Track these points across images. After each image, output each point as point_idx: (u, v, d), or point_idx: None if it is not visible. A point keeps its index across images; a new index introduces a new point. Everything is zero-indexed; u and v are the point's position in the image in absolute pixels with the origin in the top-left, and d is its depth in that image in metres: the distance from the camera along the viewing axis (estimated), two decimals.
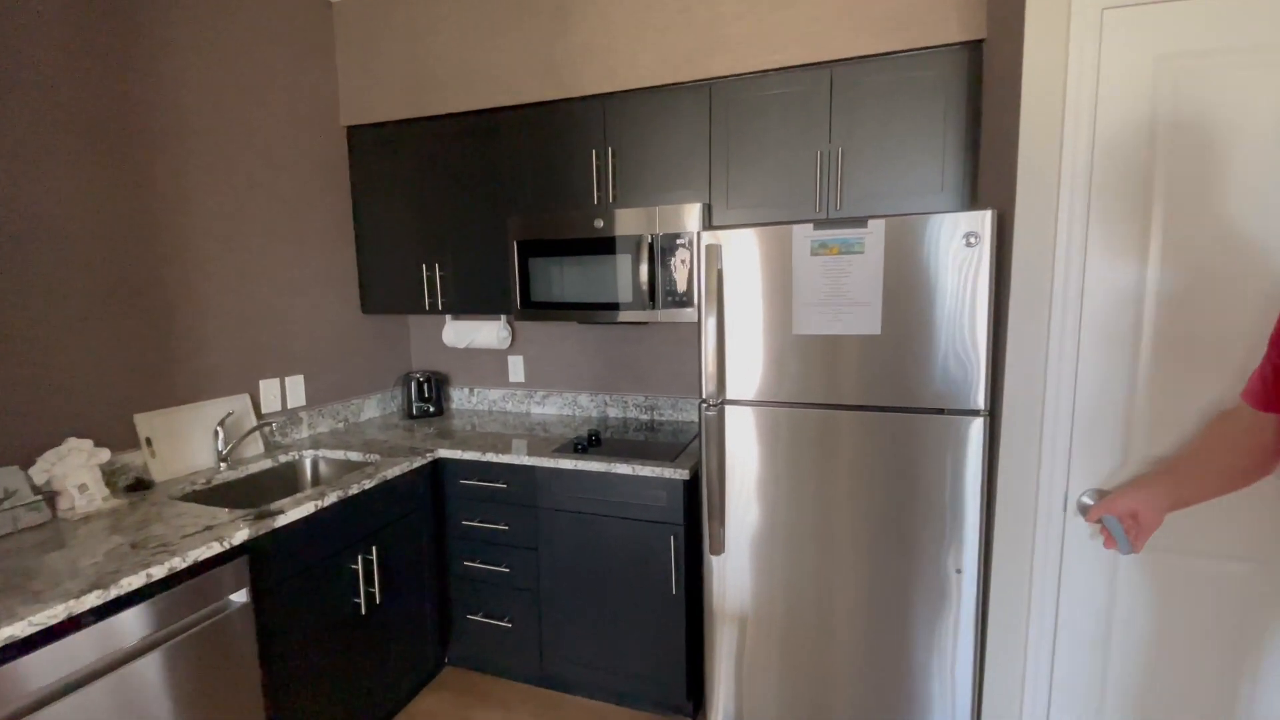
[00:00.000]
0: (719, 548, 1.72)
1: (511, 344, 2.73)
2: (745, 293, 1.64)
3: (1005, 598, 1.51)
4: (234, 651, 1.47)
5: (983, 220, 1.42)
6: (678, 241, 2.00)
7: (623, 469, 1.91)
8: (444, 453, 2.14)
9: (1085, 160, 1.34)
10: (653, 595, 1.95)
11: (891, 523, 1.59)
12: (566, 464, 1.98)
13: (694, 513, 1.95)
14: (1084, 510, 1.37)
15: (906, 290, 1.49)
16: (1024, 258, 1.40)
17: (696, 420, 2.46)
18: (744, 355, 1.66)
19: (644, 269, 2.03)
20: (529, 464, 2.03)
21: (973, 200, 1.77)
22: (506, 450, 2.10)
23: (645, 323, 2.22)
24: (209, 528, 1.49)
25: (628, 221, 2.06)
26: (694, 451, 2.03)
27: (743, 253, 1.62)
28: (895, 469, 1.57)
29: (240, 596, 1.49)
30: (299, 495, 1.69)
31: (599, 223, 2.09)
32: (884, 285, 1.50)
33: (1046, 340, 1.40)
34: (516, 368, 2.73)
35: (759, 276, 1.61)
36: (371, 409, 2.68)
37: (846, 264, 1.51)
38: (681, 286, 2.01)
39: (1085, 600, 1.44)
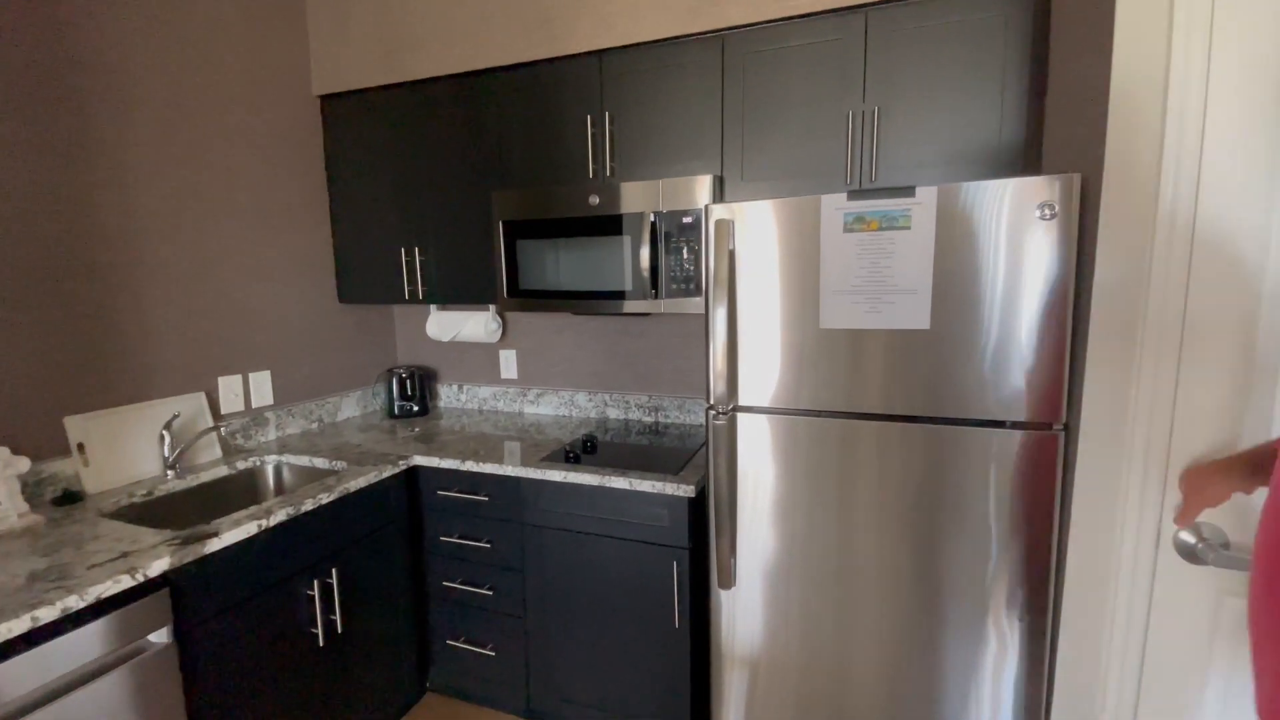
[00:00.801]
0: (728, 580, 1.46)
1: (502, 337, 2.48)
2: (762, 278, 1.37)
3: (1076, 656, 1.24)
4: (153, 703, 1.24)
5: (1063, 187, 1.13)
6: (685, 220, 1.73)
7: (618, 483, 1.65)
8: (419, 460, 1.90)
9: (1197, 107, 1.05)
10: (652, 627, 1.70)
11: (933, 557, 1.32)
12: (554, 475, 1.73)
13: (700, 534, 1.69)
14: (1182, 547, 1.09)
15: (963, 275, 1.21)
16: (1114, 237, 1.12)
17: (705, 425, 2.19)
18: (760, 353, 1.39)
19: (645, 252, 1.76)
20: (511, 474, 1.78)
21: (1035, 169, 1.48)
22: (492, 456, 1.85)
23: (649, 314, 1.96)
24: (124, 554, 1.27)
25: (628, 197, 1.79)
26: (701, 462, 1.77)
27: (760, 230, 1.35)
28: (941, 492, 1.30)
29: (160, 637, 1.27)
30: (238, 514, 1.46)
31: (595, 199, 1.83)
32: (935, 268, 1.22)
33: (1139, 339, 1.12)
34: (508, 363, 2.49)
35: (779, 258, 1.34)
36: (350, 408, 2.46)
37: (889, 242, 1.23)
38: (689, 272, 1.75)
39: (1177, 660, 1.16)
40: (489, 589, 1.89)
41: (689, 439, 2.03)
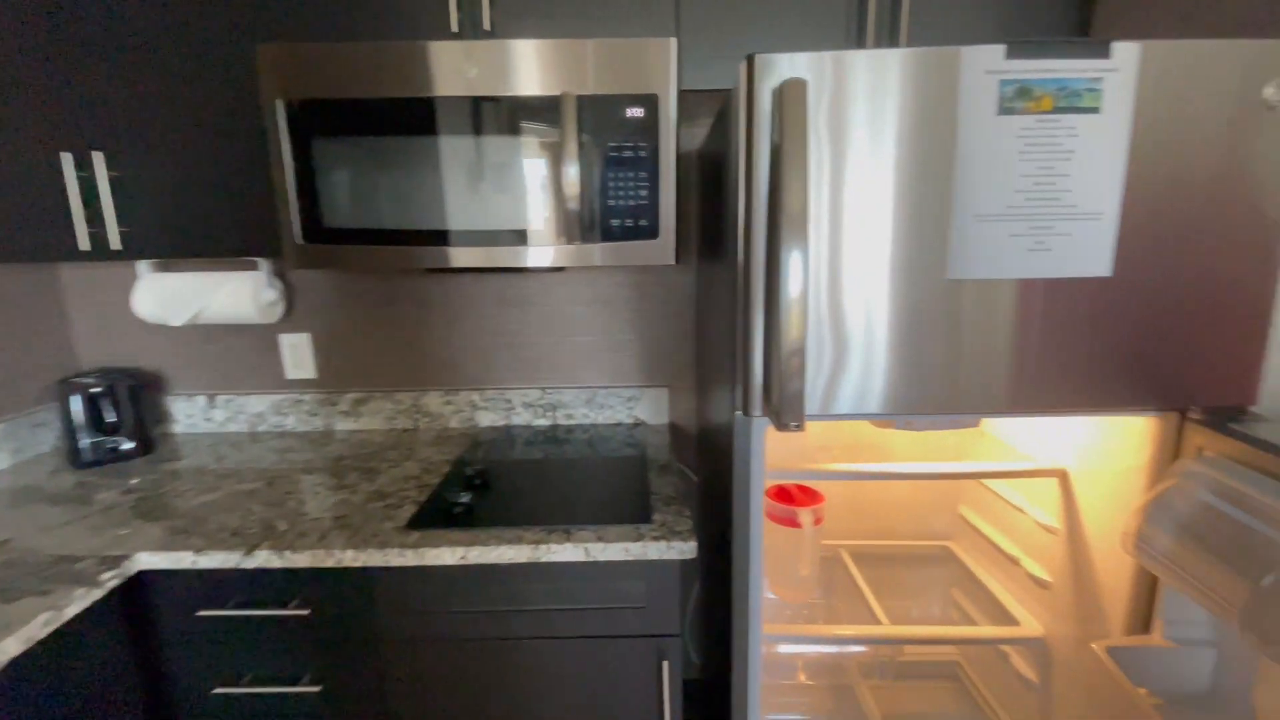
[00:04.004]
0: None
1: (287, 313, 1.55)
2: (837, 196, 0.80)
3: None
4: None
5: None
6: (632, 112, 1.07)
7: (565, 554, 0.99)
8: (149, 561, 0.99)
9: None
10: None
11: None
12: (441, 555, 0.99)
13: (691, 588, 1.11)
14: None
15: (1160, 188, 0.78)
16: None
17: (630, 423, 1.59)
18: (827, 326, 0.84)
19: (572, 169, 1.06)
20: (352, 565, 0.99)
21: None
22: (305, 531, 1.03)
23: (561, 268, 1.28)
24: None
25: (529, 68, 1.06)
26: (670, 491, 1.18)
27: (846, 109, 0.77)
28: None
29: None
30: None
31: (473, 70, 1.05)
32: (1128, 178, 0.77)
33: None
34: (299, 355, 1.57)
35: (877, 162, 0.78)
36: None
37: (1068, 132, 0.75)
38: (640, 197, 1.10)
39: None
40: None
41: (601, 444, 1.41)
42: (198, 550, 0.98)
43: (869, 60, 0.74)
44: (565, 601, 1.02)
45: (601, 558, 0.99)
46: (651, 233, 1.11)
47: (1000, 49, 0.73)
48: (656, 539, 0.99)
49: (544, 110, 1.06)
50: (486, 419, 1.59)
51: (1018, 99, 0.73)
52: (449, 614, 1.03)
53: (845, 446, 1.44)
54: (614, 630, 1.04)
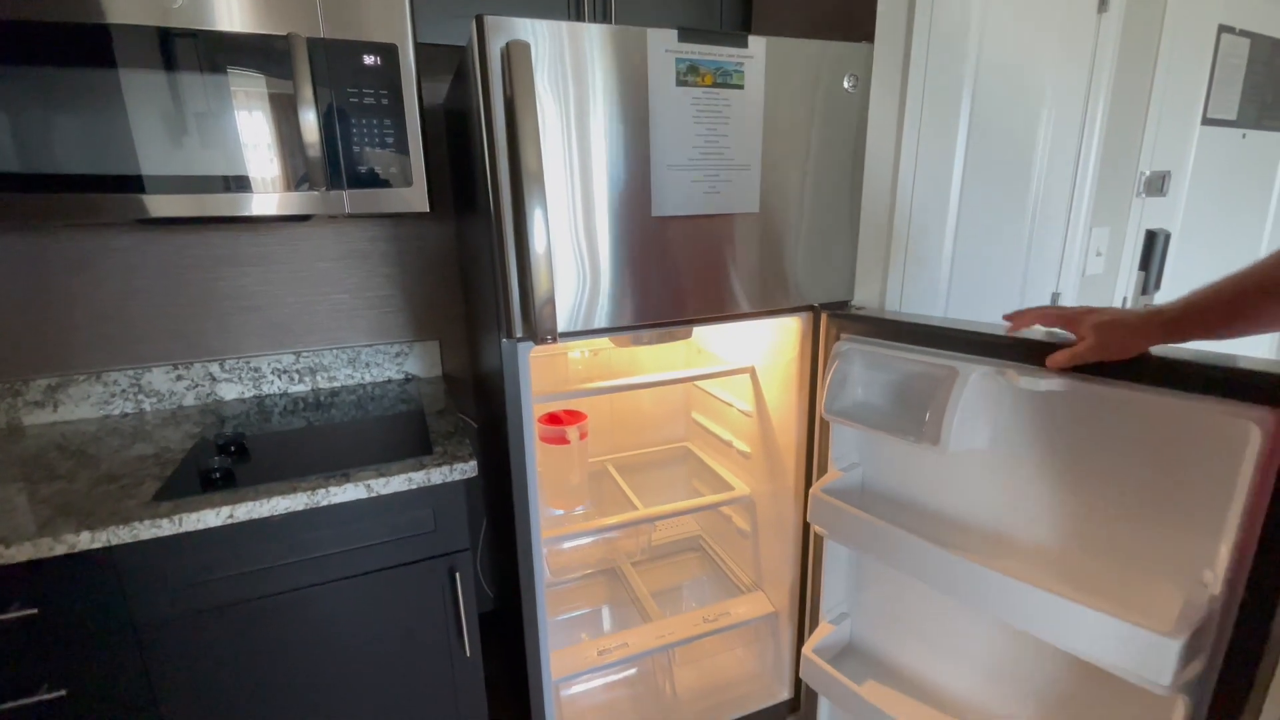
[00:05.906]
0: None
1: None
2: (583, 148, 0.95)
3: None
4: None
5: (864, 57, 1.10)
6: (368, 59, 1.09)
7: (347, 493, 1.02)
8: None
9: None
10: (424, 676, 1.18)
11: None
12: (206, 518, 0.95)
13: (479, 524, 1.23)
14: None
15: (784, 149, 1.08)
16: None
17: (402, 379, 1.61)
18: (589, 258, 1.00)
19: (309, 114, 1.04)
20: (93, 546, 0.91)
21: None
22: (10, 532, 0.90)
23: (305, 218, 1.23)
24: None
25: (244, 3, 1.01)
26: (447, 429, 1.27)
27: (578, 73, 0.92)
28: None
29: None
30: None
31: (177, 1, 0.97)
32: (764, 139, 1.05)
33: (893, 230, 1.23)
34: None
35: (592, 119, 0.95)
36: None
37: (724, 103, 1.00)
38: (387, 143, 1.13)
39: None
40: None
41: (372, 405, 1.43)
42: None
43: (583, 31, 0.90)
44: (351, 542, 1.07)
45: (385, 491, 1.05)
46: (404, 180, 1.15)
47: (674, 33, 0.94)
48: (439, 465, 1.08)
49: (267, 50, 1.03)
50: (231, 391, 1.47)
51: (690, 74, 0.96)
52: (217, 581, 1.00)
53: (605, 376, 1.67)
54: (404, 559, 1.11)
